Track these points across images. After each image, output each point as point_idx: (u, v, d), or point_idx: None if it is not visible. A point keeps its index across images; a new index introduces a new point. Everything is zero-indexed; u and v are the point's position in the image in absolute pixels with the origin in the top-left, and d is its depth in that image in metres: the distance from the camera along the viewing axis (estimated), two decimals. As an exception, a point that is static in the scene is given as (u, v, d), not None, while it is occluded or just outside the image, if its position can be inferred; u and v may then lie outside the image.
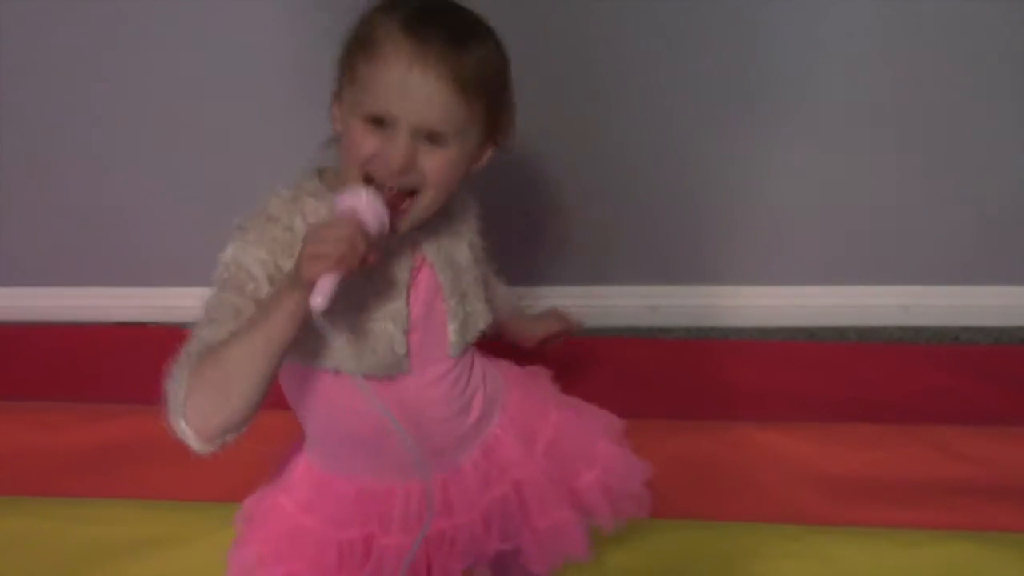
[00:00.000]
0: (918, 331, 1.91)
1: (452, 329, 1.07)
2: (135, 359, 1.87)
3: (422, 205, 0.97)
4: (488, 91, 0.96)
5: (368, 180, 0.95)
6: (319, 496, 1.11)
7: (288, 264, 0.95)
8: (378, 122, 0.94)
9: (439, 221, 1.05)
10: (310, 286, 0.88)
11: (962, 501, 1.51)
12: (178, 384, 0.92)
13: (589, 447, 1.24)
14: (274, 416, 1.61)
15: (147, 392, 1.75)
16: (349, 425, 1.06)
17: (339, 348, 0.99)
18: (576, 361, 1.82)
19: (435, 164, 0.95)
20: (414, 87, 0.91)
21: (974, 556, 1.41)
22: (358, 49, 0.95)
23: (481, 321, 1.11)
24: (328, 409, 1.06)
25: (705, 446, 1.60)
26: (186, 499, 1.54)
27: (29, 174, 1.85)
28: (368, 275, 0.99)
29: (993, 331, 1.90)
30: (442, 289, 1.05)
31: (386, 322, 1.01)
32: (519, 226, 1.82)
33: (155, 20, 1.65)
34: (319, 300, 0.87)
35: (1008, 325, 1.90)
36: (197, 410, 0.91)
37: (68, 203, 1.88)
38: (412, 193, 0.96)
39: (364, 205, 0.91)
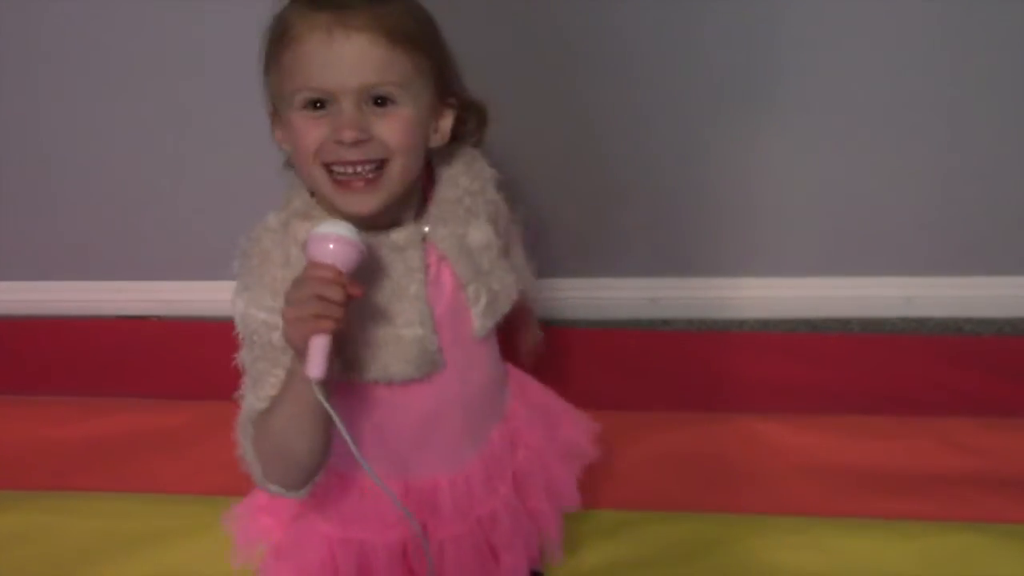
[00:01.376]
0: (921, 322, 1.91)
1: (475, 313, 1.03)
2: (136, 353, 1.88)
3: (393, 174, 0.92)
4: (422, 41, 0.91)
5: (328, 170, 0.91)
6: (367, 504, 1.09)
7: None
8: (317, 105, 0.90)
9: (449, 205, 1.02)
10: (303, 355, 0.86)
11: (964, 492, 1.50)
12: (249, 459, 0.95)
13: (558, 412, 1.25)
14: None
15: (148, 386, 1.77)
16: (396, 427, 1.05)
17: (377, 361, 0.98)
18: (576, 353, 1.81)
19: (392, 126, 0.90)
20: (341, 50, 0.87)
21: (976, 547, 1.42)
22: (275, 43, 0.91)
23: (507, 298, 1.07)
24: (376, 417, 1.04)
25: (706, 438, 1.60)
26: (190, 492, 1.54)
27: (28, 168, 1.85)
28: (383, 284, 0.97)
29: (996, 322, 1.89)
30: (459, 278, 1.02)
31: (413, 327, 0.98)
32: (520, 218, 1.82)
33: (158, 12, 1.65)
34: (315, 371, 0.85)
35: (1012, 316, 1.90)
36: (276, 477, 0.95)
37: (67, 197, 1.88)
38: (380, 168, 0.92)
39: (335, 250, 0.86)
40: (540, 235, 1.87)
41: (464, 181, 1.04)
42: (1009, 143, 1.76)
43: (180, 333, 1.90)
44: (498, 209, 1.09)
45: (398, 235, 0.98)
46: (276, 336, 0.92)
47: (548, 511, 1.20)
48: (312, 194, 0.98)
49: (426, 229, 1.00)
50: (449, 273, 1.02)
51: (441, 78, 0.96)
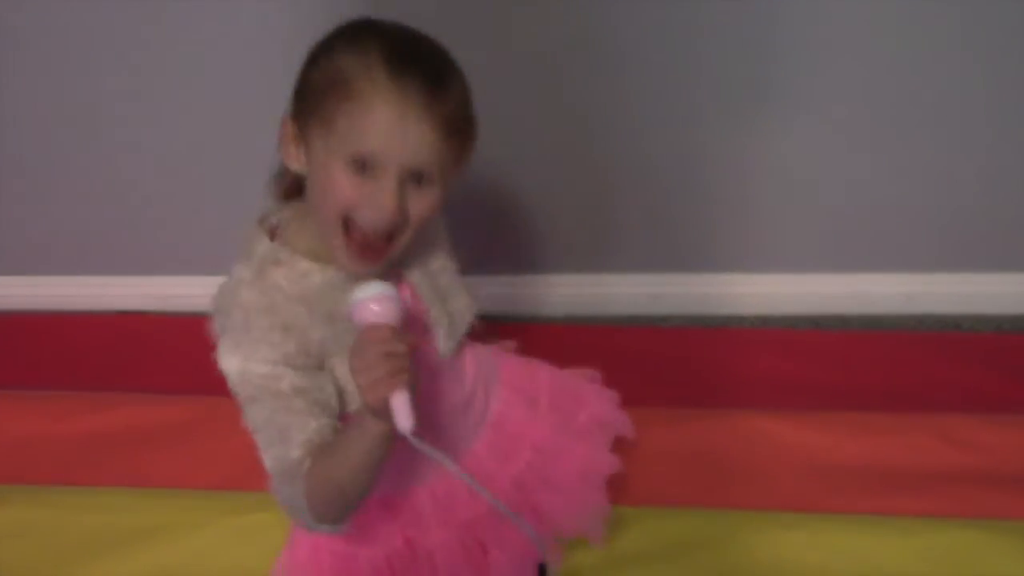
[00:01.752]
0: (920, 319, 1.91)
1: (440, 335, 1.07)
2: (136, 348, 1.88)
3: (400, 244, 0.96)
4: (467, 129, 0.96)
5: (346, 224, 0.93)
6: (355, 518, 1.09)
7: (290, 344, 0.95)
8: (361, 165, 0.91)
9: (417, 242, 1.03)
10: (387, 413, 0.87)
11: (964, 489, 1.50)
12: (298, 508, 0.96)
13: (577, 390, 1.28)
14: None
15: (148, 381, 1.77)
16: None
17: (356, 398, 0.98)
18: (576, 349, 1.81)
19: (421, 206, 0.94)
20: (406, 132, 0.89)
21: (976, 543, 1.41)
22: (330, 90, 0.91)
23: (467, 314, 1.10)
24: None
25: (706, 434, 1.60)
26: (189, 487, 1.54)
27: (31, 163, 1.85)
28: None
29: (996, 319, 1.89)
30: (424, 303, 1.05)
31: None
32: (520, 214, 1.82)
33: (158, 7, 1.64)
34: (405, 424, 0.88)
35: (1011, 313, 1.90)
36: (330, 518, 0.98)
37: (67, 191, 1.88)
38: (391, 238, 0.95)
39: (381, 310, 0.89)
40: (540, 231, 1.87)
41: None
42: (1010, 140, 1.76)
43: (180, 328, 1.90)
44: (444, 235, 1.12)
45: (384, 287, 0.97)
46: (284, 385, 0.94)
47: (574, 500, 1.22)
48: (272, 237, 0.99)
49: (402, 272, 1.04)
50: (414, 304, 1.04)
51: (466, 154, 0.99)
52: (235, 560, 1.42)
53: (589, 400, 1.28)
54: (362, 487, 0.95)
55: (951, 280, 1.91)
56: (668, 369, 1.79)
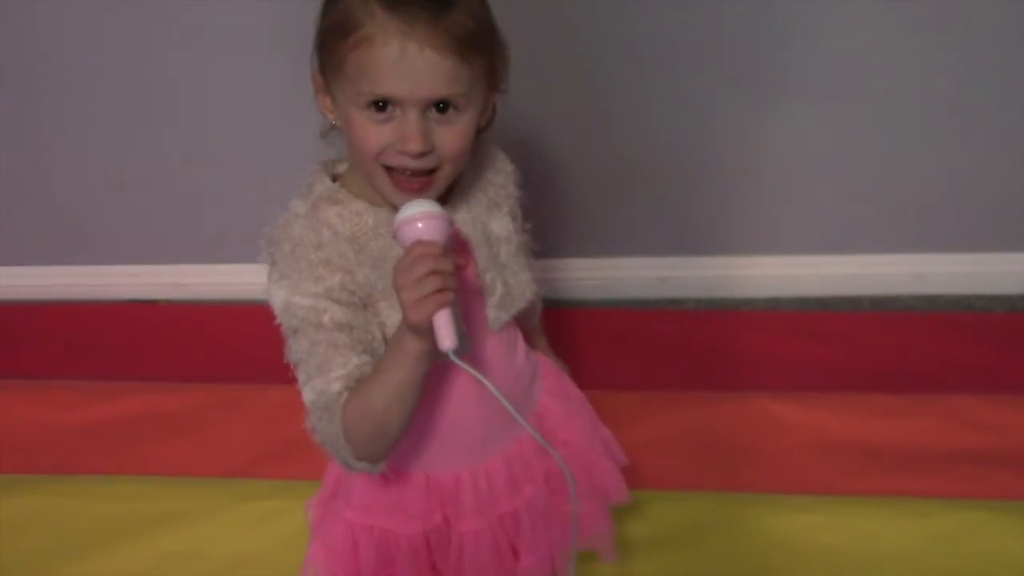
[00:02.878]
0: (933, 299, 1.90)
1: (490, 304, 1.04)
2: (147, 336, 1.89)
3: (444, 177, 0.95)
4: (484, 44, 0.92)
5: (388, 169, 0.93)
6: (393, 494, 1.09)
7: (335, 279, 0.95)
8: (380, 106, 0.90)
9: (474, 193, 1.03)
10: (429, 332, 0.87)
11: (977, 470, 1.50)
12: (336, 442, 0.95)
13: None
14: (282, 392, 1.62)
15: (159, 369, 1.78)
16: (421, 414, 1.03)
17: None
18: (586, 333, 1.81)
19: (450, 137, 0.92)
20: (413, 64, 0.87)
21: (987, 524, 1.41)
22: (337, 36, 0.90)
23: (525, 294, 1.07)
24: None
25: (716, 417, 1.60)
26: (200, 475, 1.55)
27: (39, 152, 1.85)
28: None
29: (1009, 299, 1.88)
30: (477, 264, 1.02)
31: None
32: (530, 199, 1.81)
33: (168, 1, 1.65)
34: (447, 343, 0.87)
35: (1024, 292, 1.89)
36: (369, 453, 0.95)
37: (78, 181, 1.88)
38: (431, 171, 0.94)
39: (426, 227, 0.88)
40: (550, 215, 1.87)
41: (489, 173, 1.06)
42: (1021, 120, 1.74)
43: (191, 316, 1.90)
44: (516, 206, 1.10)
45: (431, 205, 0.97)
46: (327, 318, 0.94)
47: (591, 510, 1.20)
48: (334, 179, 0.99)
49: (454, 225, 1.00)
50: (467, 256, 1.01)
51: (495, 70, 0.96)
52: (246, 547, 1.43)
53: (603, 426, 1.27)
54: (400, 415, 0.93)
55: (963, 260, 1.90)
56: (679, 352, 1.78)
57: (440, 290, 0.86)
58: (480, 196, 1.04)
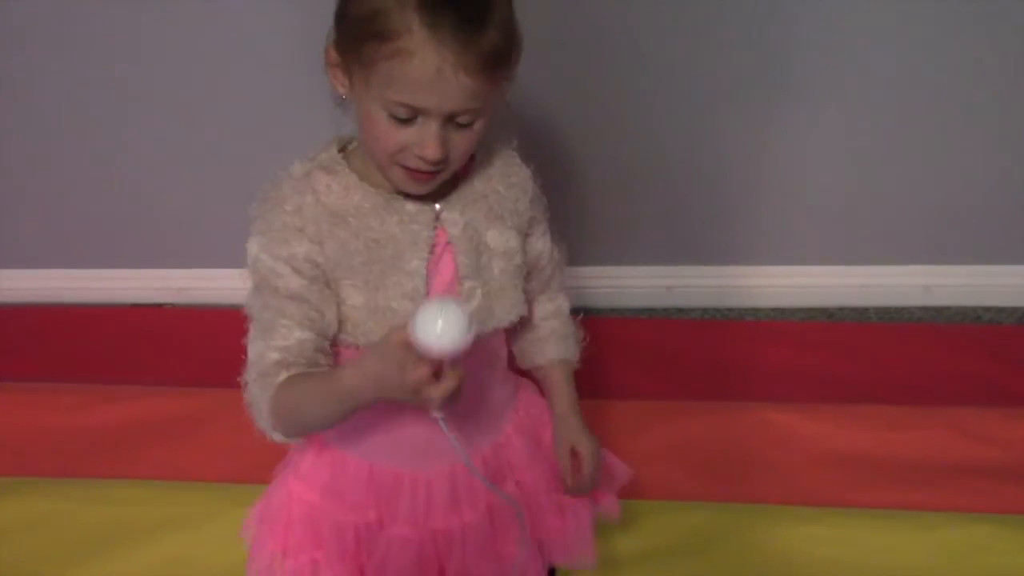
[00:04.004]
0: (939, 311, 1.90)
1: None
2: (151, 340, 1.88)
3: (450, 170, 0.97)
4: (511, 55, 0.93)
5: (395, 161, 0.94)
6: (334, 477, 1.10)
7: (301, 248, 0.95)
8: (402, 111, 0.91)
9: (476, 198, 1.03)
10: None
11: (982, 483, 1.49)
12: (259, 410, 0.98)
13: None
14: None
15: (162, 373, 1.77)
16: (371, 409, 1.02)
17: (364, 326, 0.99)
18: (592, 341, 1.80)
19: (463, 141, 0.94)
20: (446, 84, 0.88)
21: (992, 538, 1.40)
22: (370, 36, 0.89)
23: (505, 314, 1.05)
24: None
25: (721, 427, 1.59)
26: (203, 479, 1.55)
27: (46, 156, 1.85)
28: (386, 250, 0.98)
29: (1016, 311, 1.88)
30: (459, 269, 1.02)
31: (402, 302, 0.99)
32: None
33: (177, 6, 1.65)
34: (438, 415, 0.89)
35: (1030, 305, 1.89)
36: (288, 434, 1.00)
37: (84, 185, 1.88)
38: (441, 168, 0.95)
39: (458, 337, 0.82)
40: (556, 225, 1.86)
41: (500, 184, 1.05)
42: (1029, 132, 1.74)
43: (194, 321, 1.90)
44: (529, 224, 1.09)
45: (413, 206, 0.99)
46: (282, 284, 0.96)
47: (526, 561, 1.15)
48: (341, 151, 1.01)
49: (437, 207, 1.01)
50: (450, 261, 1.01)
51: (512, 72, 0.97)
52: (246, 553, 1.42)
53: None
54: (325, 425, 0.98)
55: (970, 272, 1.89)
56: (684, 361, 1.78)
57: (448, 400, 0.86)
58: (482, 203, 1.04)
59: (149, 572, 1.43)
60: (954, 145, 1.76)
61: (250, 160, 1.79)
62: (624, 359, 1.77)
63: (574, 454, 1.14)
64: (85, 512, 1.48)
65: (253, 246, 0.98)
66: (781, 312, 1.91)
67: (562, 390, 1.18)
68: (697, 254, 1.91)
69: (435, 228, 1.00)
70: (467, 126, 0.93)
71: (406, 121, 0.91)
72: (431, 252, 1.00)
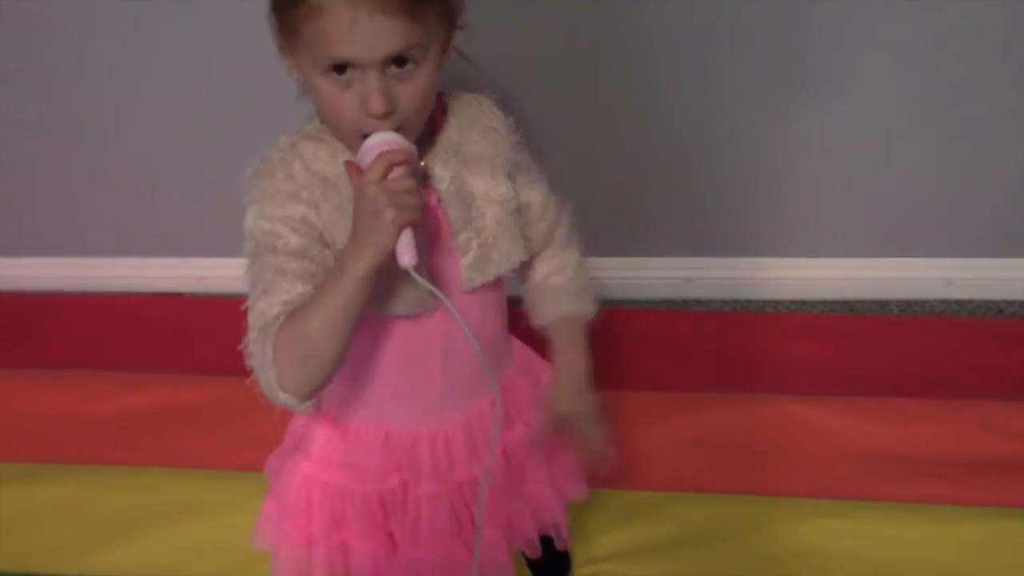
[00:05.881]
0: (961, 304, 1.88)
1: (464, 264, 1.02)
2: (173, 329, 1.89)
3: (411, 130, 0.94)
4: None
5: (359, 135, 0.92)
6: (351, 450, 1.09)
7: (298, 210, 0.96)
8: (340, 70, 0.90)
9: (456, 147, 1.02)
10: (391, 251, 0.88)
11: (1003, 478, 1.49)
12: (264, 364, 0.94)
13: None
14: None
15: (183, 361, 1.79)
16: (383, 365, 1.05)
17: (375, 290, 0.96)
18: (611, 333, 1.80)
19: (411, 92, 0.91)
20: (364, 30, 0.87)
21: (1015, 533, 1.40)
22: (288, 7, 0.90)
23: (504, 260, 1.04)
24: (362, 351, 1.03)
25: (740, 419, 1.59)
26: (222, 468, 1.55)
27: (68, 145, 1.87)
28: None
29: (1038, 305, 1.87)
30: (452, 224, 1.01)
31: (403, 261, 0.95)
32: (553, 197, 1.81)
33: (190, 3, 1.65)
34: (407, 259, 0.88)
35: (1054, 299, 1.87)
36: (293, 381, 0.93)
37: (105, 174, 1.90)
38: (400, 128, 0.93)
39: (391, 148, 0.89)
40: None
41: (476, 132, 1.04)
42: (1054, 124, 1.73)
43: (215, 309, 1.91)
44: (517, 168, 1.07)
45: (394, 135, 0.96)
46: (280, 244, 0.95)
47: (548, 497, 1.18)
48: (323, 121, 0.99)
49: (422, 164, 0.99)
50: (444, 217, 1.01)
51: (451, 9, 0.95)
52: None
53: None
54: (332, 344, 0.91)
55: (992, 265, 1.88)
56: (703, 353, 1.78)
57: (400, 207, 0.86)
58: (462, 154, 1.02)
59: (172, 558, 1.44)
60: (976, 137, 1.75)
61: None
62: (643, 351, 1.77)
63: (563, 423, 1.11)
64: (108, 498, 1.50)
65: (249, 216, 0.98)
66: (801, 304, 1.90)
67: (563, 350, 1.13)
68: (717, 246, 1.90)
69: (425, 187, 0.99)
70: (409, 72, 0.91)
71: (345, 78, 0.90)
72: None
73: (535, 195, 1.10)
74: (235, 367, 1.79)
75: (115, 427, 1.63)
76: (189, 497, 1.49)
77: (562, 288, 1.15)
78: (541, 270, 1.15)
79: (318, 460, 1.11)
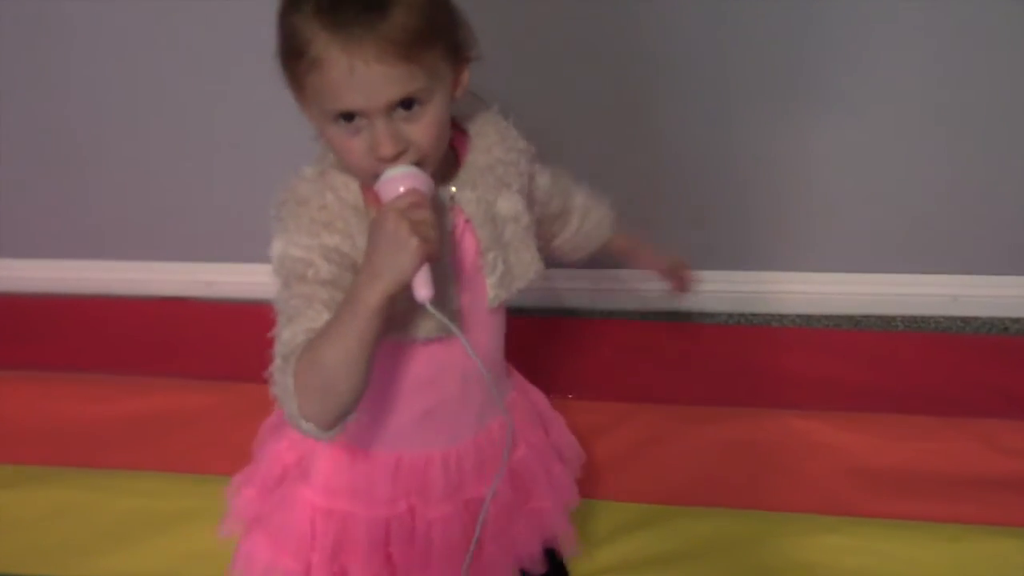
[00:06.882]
0: (966, 321, 1.88)
1: (490, 284, 1.04)
2: (179, 333, 1.90)
3: (429, 165, 0.95)
4: (433, 34, 0.90)
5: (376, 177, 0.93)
6: (358, 476, 1.10)
7: (332, 240, 0.96)
8: (348, 117, 0.91)
9: (481, 172, 1.03)
10: (408, 283, 0.88)
11: (1006, 496, 1.48)
12: (285, 394, 0.93)
13: (549, 413, 1.28)
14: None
15: (188, 366, 1.79)
16: (404, 392, 1.05)
17: (391, 313, 0.97)
18: (615, 345, 1.81)
19: (421, 131, 0.92)
20: (363, 79, 0.87)
21: (1016, 552, 1.39)
22: (290, 57, 0.91)
23: (527, 273, 1.07)
24: (383, 378, 1.04)
25: (744, 433, 1.59)
26: (224, 473, 1.55)
27: (77, 149, 1.87)
28: None
29: (1044, 323, 1.86)
30: (479, 244, 1.03)
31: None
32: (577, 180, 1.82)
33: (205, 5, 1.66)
34: (424, 293, 0.89)
35: (1060, 317, 1.87)
36: (313, 412, 0.93)
37: (113, 177, 1.90)
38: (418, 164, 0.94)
39: (407, 182, 0.90)
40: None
41: (498, 151, 1.05)
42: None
43: (220, 314, 1.92)
44: (532, 180, 1.10)
45: (410, 168, 0.97)
46: (311, 272, 0.95)
47: (552, 509, 1.22)
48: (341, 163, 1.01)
49: (453, 190, 1.01)
50: (472, 237, 1.02)
51: (456, 47, 0.96)
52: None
53: (555, 429, 1.28)
54: (349, 375, 0.91)
55: (998, 282, 1.88)
56: (708, 367, 1.77)
57: (426, 243, 0.87)
58: (488, 176, 1.04)
59: (172, 564, 1.44)
60: (984, 153, 1.75)
61: (279, 156, 1.80)
62: (648, 363, 1.77)
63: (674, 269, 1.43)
64: (110, 502, 1.50)
65: (278, 245, 0.97)
66: (807, 319, 1.90)
67: (634, 245, 1.40)
68: (721, 259, 1.90)
69: (451, 208, 1.01)
70: (416, 113, 0.91)
71: (353, 126, 0.91)
72: (451, 233, 1.01)
73: (545, 176, 1.15)
74: (239, 372, 1.81)
75: (118, 431, 1.63)
76: (190, 502, 1.49)
77: (596, 224, 1.30)
78: (572, 225, 1.25)
79: (323, 488, 1.11)
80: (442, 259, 0.92)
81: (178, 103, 1.79)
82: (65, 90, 1.79)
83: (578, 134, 1.73)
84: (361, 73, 0.87)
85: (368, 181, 0.94)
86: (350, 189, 0.98)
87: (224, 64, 1.73)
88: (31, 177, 1.92)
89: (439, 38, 0.91)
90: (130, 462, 1.58)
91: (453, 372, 1.06)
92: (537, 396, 1.25)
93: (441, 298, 0.93)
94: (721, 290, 1.91)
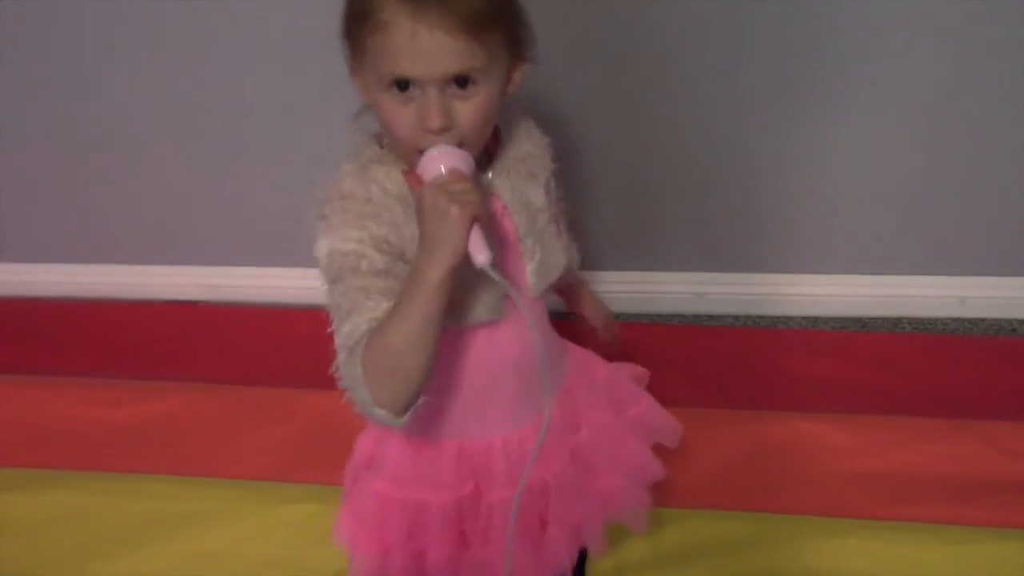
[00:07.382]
0: (974, 323, 1.88)
1: (530, 270, 1.06)
2: (184, 337, 1.90)
3: (474, 145, 0.97)
4: (498, 19, 0.93)
5: (421, 152, 0.94)
6: (423, 466, 1.11)
7: (381, 231, 0.97)
8: (402, 86, 0.92)
9: (513, 162, 1.06)
10: (463, 251, 0.89)
11: (1015, 499, 1.47)
12: (356, 384, 0.94)
13: (627, 388, 1.28)
14: (318, 397, 1.62)
15: (195, 370, 1.79)
16: (461, 383, 1.06)
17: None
18: (621, 347, 1.80)
19: (469, 111, 0.94)
20: (425, 46, 0.89)
21: (1023, 555, 1.38)
22: (356, 22, 0.93)
23: (558, 262, 1.09)
24: (440, 370, 1.03)
25: (752, 437, 1.58)
26: (234, 477, 1.56)
27: (83, 153, 1.88)
28: None
29: (1052, 324, 1.86)
30: (518, 230, 1.05)
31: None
32: (566, 211, 1.81)
33: (220, 8, 1.67)
34: (482, 257, 0.89)
35: (1069, 319, 1.86)
36: (385, 398, 0.94)
37: (120, 183, 1.91)
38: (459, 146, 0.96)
39: (448, 159, 0.92)
40: (587, 228, 1.86)
41: (527, 146, 1.09)
42: (1070, 143, 1.72)
43: (228, 318, 1.92)
44: (551, 179, 1.12)
45: (450, 147, 0.99)
46: (365, 264, 0.96)
47: (624, 486, 1.22)
48: (381, 146, 1.02)
49: (489, 175, 1.04)
50: (510, 224, 1.04)
51: (517, 41, 0.98)
52: (275, 549, 1.44)
53: (637, 401, 1.27)
54: (418, 353, 0.92)
55: (1006, 284, 1.87)
56: (714, 369, 1.77)
57: (465, 207, 0.88)
58: (520, 167, 1.07)
59: (179, 567, 1.44)
60: (991, 155, 1.74)
61: (283, 160, 1.81)
62: (653, 365, 1.75)
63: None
64: (119, 506, 1.50)
65: (324, 244, 0.98)
66: (813, 321, 1.90)
67: (580, 291, 1.37)
68: (729, 261, 1.90)
69: (491, 197, 1.03)
70: (469, 92, 0.93)
71: (406, 95, 0.93)
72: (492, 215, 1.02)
73: (552, 180, 1.15)
74: (245, 376, 1.81)
75: (125, 435, 1.63)
76: (198, 506, 1.49)
77: (565, 250, 1.21)
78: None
79: (392, 479, 1.12)
80: (489, 221, 0.93)
81: (184, 107, 1.79)
82: (71, 94, 1.80)
83: (586, 135, 1.73)
84: (424, 40, 0.89)
85: (410, 156, 0.96)
86: (392, 179, 0.99)
87: (232, 68, 1.73)
88: (37, 181, 1.93)
89: (503, 24, 0.94)
90: (137, 466, 1.58)
91: (507, 360, 1.07)
92: (601, 369, 1.25)
93: (483, 285, 0.96)
94: (728, 292, 1.91)
